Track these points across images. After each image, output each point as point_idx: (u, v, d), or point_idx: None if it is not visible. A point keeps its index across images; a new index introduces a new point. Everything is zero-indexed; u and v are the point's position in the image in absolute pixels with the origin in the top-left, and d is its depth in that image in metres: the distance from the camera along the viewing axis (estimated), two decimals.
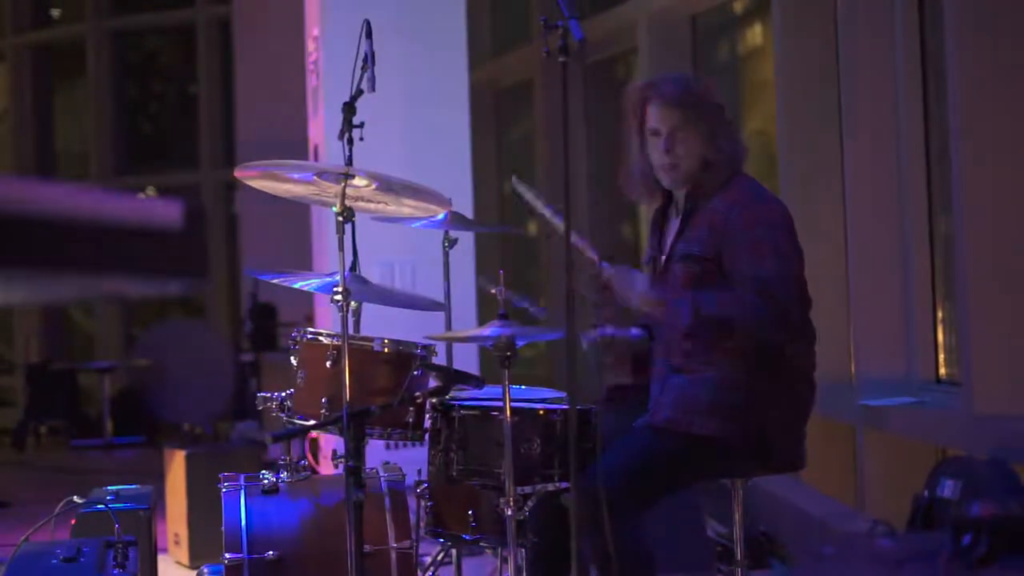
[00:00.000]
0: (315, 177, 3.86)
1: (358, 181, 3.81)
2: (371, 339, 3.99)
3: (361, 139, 4.12)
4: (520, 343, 3.72)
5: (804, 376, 3.88)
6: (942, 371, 5.30)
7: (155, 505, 4.68)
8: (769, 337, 3.72)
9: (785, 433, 3.84)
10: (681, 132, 3.89)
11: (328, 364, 3.93)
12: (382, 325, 4.48)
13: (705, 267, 3.80)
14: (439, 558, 4.87)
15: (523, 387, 4.30)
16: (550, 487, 3.77)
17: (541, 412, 3.81)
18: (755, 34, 7.94)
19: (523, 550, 3.82)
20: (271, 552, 3.96)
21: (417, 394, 3.98)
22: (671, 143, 3.89)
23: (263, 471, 4.20)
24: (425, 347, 4.03)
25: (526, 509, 3.71)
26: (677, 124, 3.89)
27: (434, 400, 3.99)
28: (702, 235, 3.82)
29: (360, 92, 4.18)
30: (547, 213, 4.01)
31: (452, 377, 4.04)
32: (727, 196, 3.83)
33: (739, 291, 3.72)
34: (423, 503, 4.11)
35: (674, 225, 3.96)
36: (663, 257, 3.94)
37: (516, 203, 4.10)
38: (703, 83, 3.98)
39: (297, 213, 8.31)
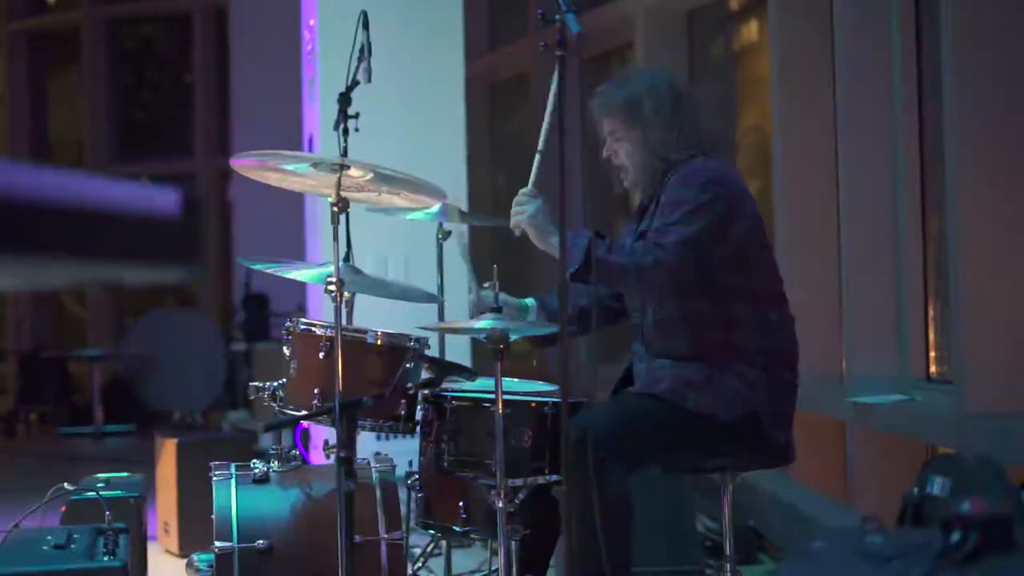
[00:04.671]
0: (311, 167, 3.86)
1: (353, 171, 3.81)
2: (364, 330, 3.99)
3: (356, 130, 4.12)
4: (513, 336, 3.73)
5: (786, 362, 3.90)
6: (933, 369, 5.31)
7: (145, 493, 4.68)
8: (652, 286, 3.80)
9: (775, 417, 3.86)
10: (615, 141, 4.00)
11: (321, 355, 3.93)
12: (375, 316, 4.48)
13: None
14: (429, 549, 4.88)
15: (515, 380, 4.31)
16: (541, 479, 3.77)
17: (533, 404, 3.81)
18: (751, 30, 7.94)
19: (514, 542, 3.83)
20: (261, 541, 3.96)
21: (409, 386, 3.98)
22: (609, 150, 4.00)
23: (254, 460, 4.20)
24: (418, 339, 4.03)
25: (517, 501, 3.72)
26: (610, 131, 4.01)
27: (426, 392, 4.00)
28: (658, 213, 3.87)
29: (356, 83, 4.18)
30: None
31: (444, 369, 4.05)
32: (678, 173, 3.88)
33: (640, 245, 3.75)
34: (414, 494, 4.11)
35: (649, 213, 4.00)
36: None
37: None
38: (639, 83, 3.98)
39: (291, 203, 8.31)
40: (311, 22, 7.78)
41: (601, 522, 3.48)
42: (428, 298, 4.50)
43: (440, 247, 4.77)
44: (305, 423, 5.46)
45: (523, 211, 3.85)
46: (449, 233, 4.79)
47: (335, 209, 3.75)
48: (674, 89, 3.99)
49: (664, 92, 3.95)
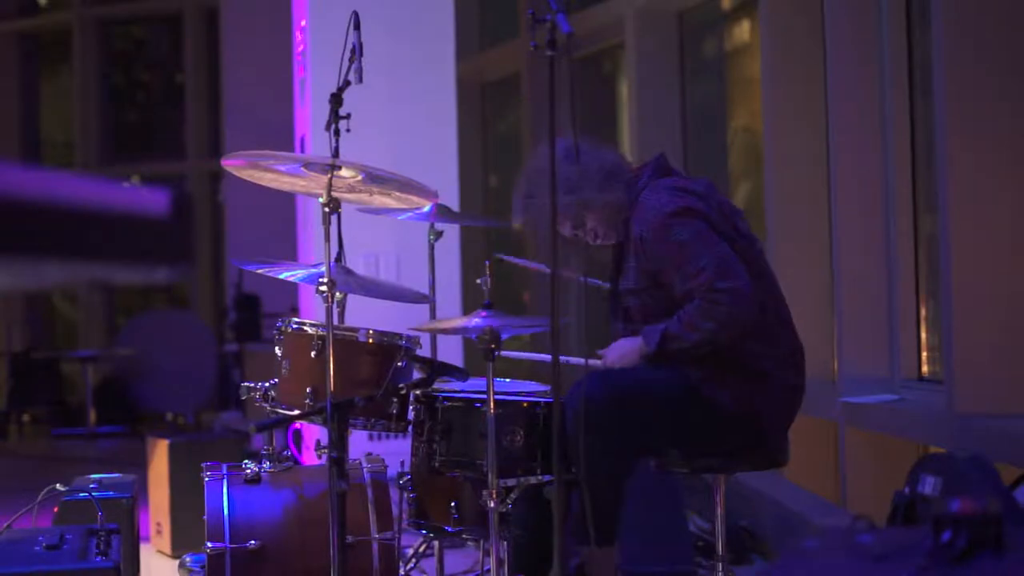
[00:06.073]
0: (302, 168, 3.86)
1: (344, 172, 3.81)
2: (356, 330, 3.99)
3: (348, 130, 4.12)
4: (505, 335, 3.73)
5: (789, 363, 3.91)
6: (924, 369, 5.32)
7: (137, 494, 4.68)
8: (743, 325, 3.76)
9: (775, 418, 3.88)
10: (585, 229, 3.99)
11: (312, 354, 3.93)
12: (367, 316, 4.48)
13: (649, 296, 3.88)
14: (421, 550, 4.88)
15: (507, 380, 4.31)
16: (532, 480, 3.77)
17: (525, 404, 3.82)
18: (742, 30, 7.95)
19: (505, 543, 3.83)
20: (253, 541, 3.96)
21: (401, 385, 3.98)
22: (591, 238, 4.02)
23: (246, 461, 4.20)
24: (409, 338, 4.03)
25: (508, 501, 3.72)
26: (572, 230, 4.01)
27: (418, 392, 4.00)
28: (631, 267, 3.91)
29: (347, 83, 4.18)
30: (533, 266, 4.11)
31: (436, 369, 4.05)
32: (635, 218, 3.90)
33: (691, 306, 3.76)
34: (406, 494, 4.11)
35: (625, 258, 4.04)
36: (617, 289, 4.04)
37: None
38: (532, 183, 3.96)
39: (282, 203, 8.31)
40: (302, 23, 7.78)
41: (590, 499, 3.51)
42: (420, 298, 4.50)
43: (432, 247, 4.77)
44: (297, 423, 5.46)
45: (610, 360, 3.91)
46: (441, 233, 4.79)
47: (326, 209, 3.75)
48: (566, 155, 3.83)
49: (562, 171, 3.79)
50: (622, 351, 3.91)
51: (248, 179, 4.06)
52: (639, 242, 3.86)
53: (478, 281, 3.81)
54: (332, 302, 3.76)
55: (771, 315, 3.92)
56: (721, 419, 3.81)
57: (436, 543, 4.53)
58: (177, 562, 5.25)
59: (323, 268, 3.78)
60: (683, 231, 3.80)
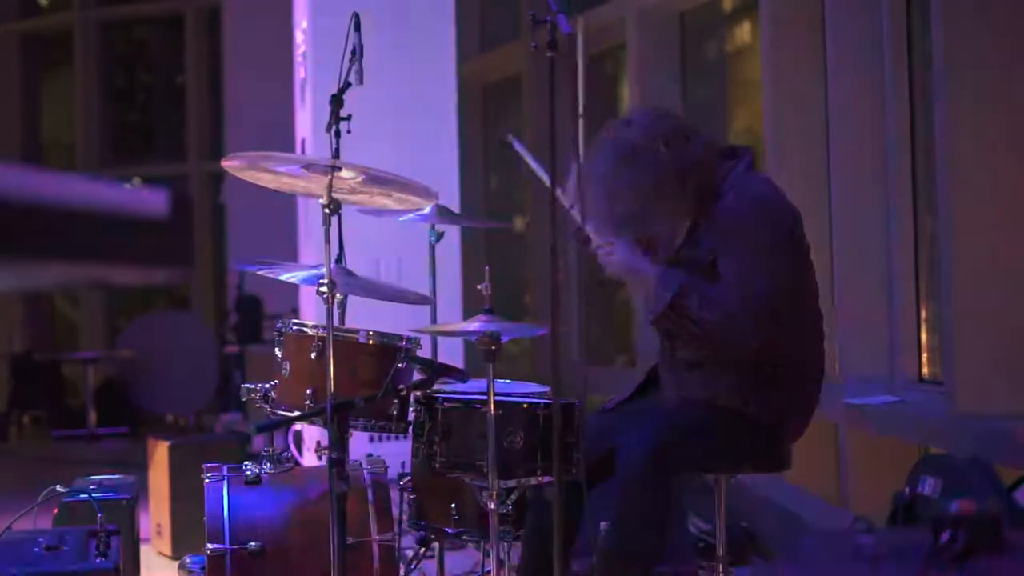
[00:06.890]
0: (303, 169, 3.86)
1: (345, 173, 3.81)
2: (356, 331, 3.99)
3: (348, 132, 4.12)
4: (505, 338, 3.74)
5: (814, 377, 3.90)
6: (925, 370, 5.32)
7: (138, 495, 4.68)
8: (734, 348, 3.72)
9: (795, 427, 3.87)
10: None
11: (313, 356, 3.93)
12: (367, 318, 4.48)
13: (705, 272, 3.77)
14: (421, 551, 4.88)
15: (507, 381, 4.31)
16: (532, 481, 3.78)
17: (525, 406, 3.81)
18: (743, 32, 7.95)
19: (505, 544, 3.83)
20: (253, 543, 3.96)
21: (401, 386, 3.98)
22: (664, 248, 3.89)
23: (246, 462, 4.20)
24: (410, 340, 4.03)
25: (509, 503, 3.72)
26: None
27: (418, 393, 4.00)
28: (706, 235, 3.79)
29: (348, 85, 4.18)
30: (536, 168, 4.02)
31: (436, 370, 4.05)
32: (730, 197, 3.79)
33: (726, 297, 3.68)
34: (406, 496, 4.11)
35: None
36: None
37: (506, 153, 4.06)
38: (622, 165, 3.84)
39: (284, 205, 8.31)
40: (303, 24, 7.79)
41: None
42: (420, 300, 4.50)
43: (432, 249, 4.77)
44: (297, 424, 5.47)
45: (612, 258, 3.81)
46: (442, 234, 4.79)
47: (327, 211, 3.75)
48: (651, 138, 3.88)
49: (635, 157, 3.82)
50: (632, 267, 3.79)
51: (249, 180, 4.06)
52: (727, 212, 3.75)
53: (479, 287, 3.81)
54: (333, 303, 3.76)
55: (810, 327, 3.89)
56: (750, 429, 3.80)
57: (436, 544, 4.53)
58: (177, 563, 5.25)
59: (324, 269, 3.78)
60: (763, 234, 3.73)
